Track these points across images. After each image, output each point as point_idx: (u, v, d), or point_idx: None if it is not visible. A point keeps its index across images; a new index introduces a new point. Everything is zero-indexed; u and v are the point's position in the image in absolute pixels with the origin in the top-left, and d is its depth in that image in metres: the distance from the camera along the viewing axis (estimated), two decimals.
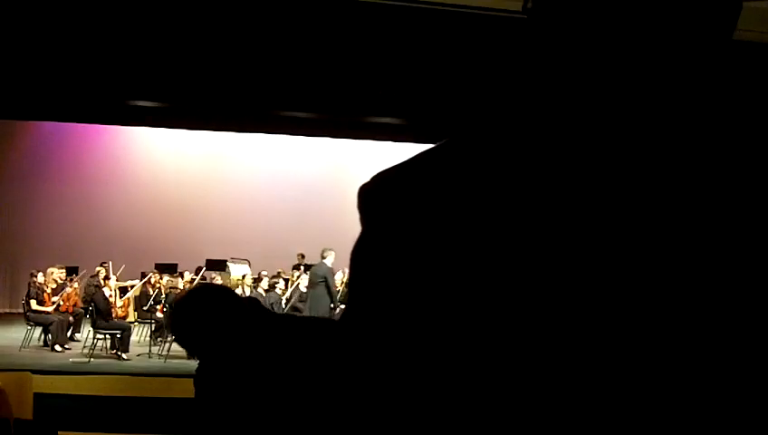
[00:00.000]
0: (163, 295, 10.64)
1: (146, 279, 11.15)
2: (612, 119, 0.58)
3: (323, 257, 9.76)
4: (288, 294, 11.13)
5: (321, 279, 9.63)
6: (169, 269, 11.71)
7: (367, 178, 0.69)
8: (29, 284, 10.65)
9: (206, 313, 2.38)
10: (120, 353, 9.73)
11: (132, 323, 10.74)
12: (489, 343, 0.56)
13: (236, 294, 2.83)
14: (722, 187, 0.56)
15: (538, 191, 0.58)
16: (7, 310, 13.80)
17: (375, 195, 0.65)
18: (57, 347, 9.98)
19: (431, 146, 0.65)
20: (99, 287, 10.54)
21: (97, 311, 9.84)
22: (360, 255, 0.65)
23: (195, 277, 11.53)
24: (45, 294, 10.34)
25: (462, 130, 0.63)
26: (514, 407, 0.56)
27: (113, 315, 9.97)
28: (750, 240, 0.55)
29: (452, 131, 0.65)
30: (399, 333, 0.60)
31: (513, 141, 0.61)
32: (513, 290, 0.56)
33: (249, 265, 12.38)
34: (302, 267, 12.13)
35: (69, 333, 10.59)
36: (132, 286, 11.11)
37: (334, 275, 9.89)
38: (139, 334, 11.00)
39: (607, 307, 0.55)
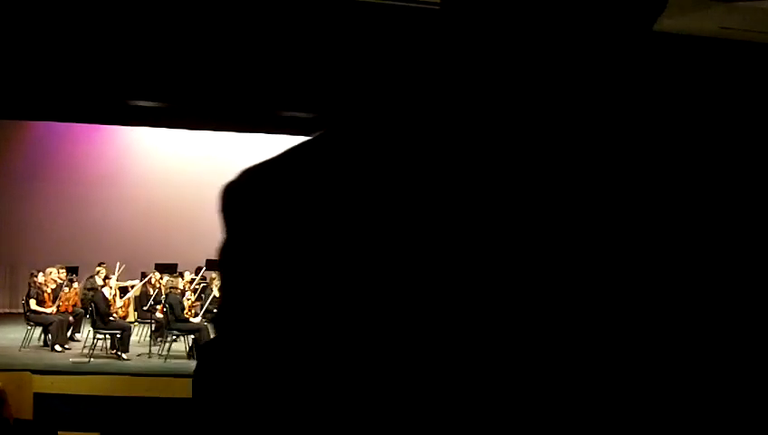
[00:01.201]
0: (163, 295, 10.63)
1: (146, 279, 11.15)
2: (499, 107, 0.54)
3: None
4: None
5: None
6: (169, 269, 11.71)
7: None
8: (29, 284, 10.65)
9: None
10: (120, 353, 9.73)
11: (132, 323, 10.73)
12: (370, 347, 0.53)
13: None
14: (630, 182, 0.53)
15: (413, 186, 0.54)
16: (7, 310, 13.79)
17: (240, 192, 0.59)
18: (57, 347, 9.97)
19: (302, 140, 0.61)
20: (98, 288, 10.53)
21: (97, 311, 9.84)
22: (225, 260, 0.60)
23: (195, 277, 11.54)
24: (45, 294, 10.34)
25: (335, 123, 0.59)
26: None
27: (113, 316, 9.97)
28: (656, 235, 0.53)
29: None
30: (269, 341, 0.56)
31: (388, 134, 0.57)
32: (383, 290, 0.53)
33: None
34: None
35: (69, 333, 10.59)
36: (132, 286, 11.11)
37: None
38: (139, 334, 10.99)
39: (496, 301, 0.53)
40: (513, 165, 0.53)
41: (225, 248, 0.60)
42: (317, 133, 0.59)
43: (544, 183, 0.53)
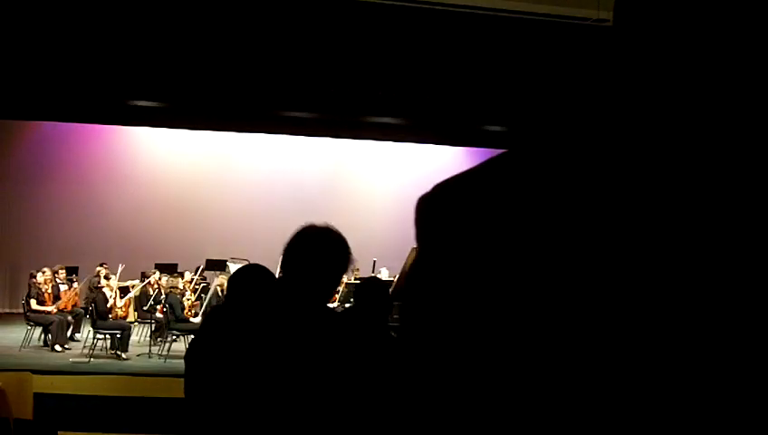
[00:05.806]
0: (163, 295, 10.63)
1: (147, 281, 11.15)
2: (706, 131, 0.55)
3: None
4: None
5: None
6: (169, 269, 11.70)
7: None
8: (29, 284, 10.65)
9: None
10: (119, 353, 9.73)
11: (132, 323, 10.73)
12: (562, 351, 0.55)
13: None
14: None
15: (617, 205, 0.55)
16: (7, 310, 13.80)
17: (437, 203, 0.62)
18: (57, 347, 9.97)
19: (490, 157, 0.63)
20: (99, 287, 10.53)
21: (96, 311, 9.84)
22: (422, 269, 0.62)
23: (195, 277, 11.53)
24: (45, 294, 10.34)
25: (528, 140, 0.61)
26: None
27: (113, 316, 9.97)
28: None
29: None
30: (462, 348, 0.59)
31: (579, 154, 0.58)
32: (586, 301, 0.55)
33: None
34: None
35: (69, 333, 10.59)
36: (133, 286, 11.11)
37: None
38: (139, 334, 11.00)
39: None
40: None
41: (424, 253, 0.62)
42: (504, 151, 0.62)
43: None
